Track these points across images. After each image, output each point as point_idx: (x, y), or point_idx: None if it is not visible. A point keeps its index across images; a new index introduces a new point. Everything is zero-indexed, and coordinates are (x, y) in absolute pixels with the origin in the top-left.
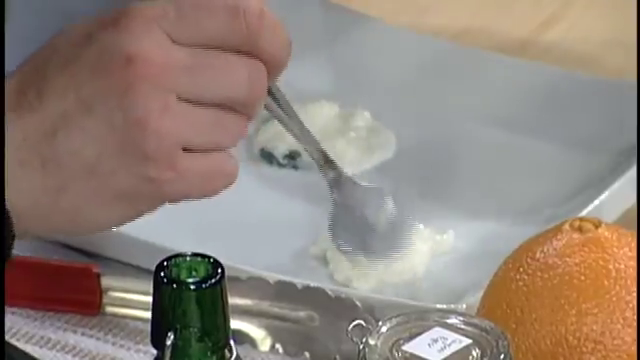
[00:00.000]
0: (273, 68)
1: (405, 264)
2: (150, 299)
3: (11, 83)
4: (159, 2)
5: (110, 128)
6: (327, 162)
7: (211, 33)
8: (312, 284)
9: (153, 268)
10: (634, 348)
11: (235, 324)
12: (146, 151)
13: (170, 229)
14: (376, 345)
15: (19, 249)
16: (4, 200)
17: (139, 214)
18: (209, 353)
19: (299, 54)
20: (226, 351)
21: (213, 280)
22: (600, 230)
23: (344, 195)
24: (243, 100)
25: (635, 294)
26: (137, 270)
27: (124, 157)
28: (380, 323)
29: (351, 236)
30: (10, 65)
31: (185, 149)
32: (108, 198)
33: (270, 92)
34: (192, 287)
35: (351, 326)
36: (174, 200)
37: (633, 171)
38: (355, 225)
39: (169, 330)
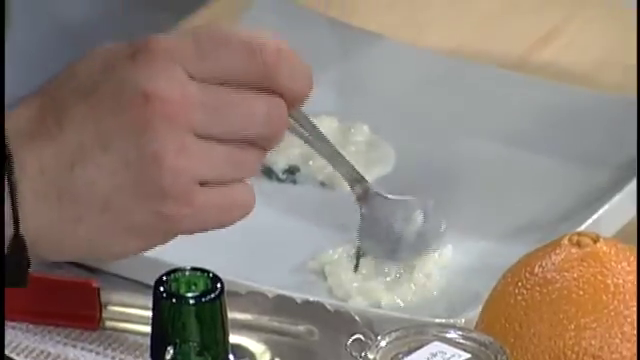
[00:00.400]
0: (294, 101)
1: (403, 279)
2: (150, 313)
3: (30, 109)
4: (177, 35)
5: (126, 165)
6: (356, 178)
7: (229, 70)
8: (311, 298)
9: (152, 283)
10: None
11: (234, 338)
12: (162, 189)
13: (169, 244)
14: (375, 359)
15: None
16: (4, 202)
17: (153, 246)
18: None
19: None
20: None
21: (212, 295)
22: (598, 245)
23: (372, 208)
24: (262, 136)
25: (634, 309)
26: (137, 284)
27: (140, 194)
28: (379, 337)
29: (379, 247)
30: (9, 73)
31: (202, 184)
32: (122, 232)
33: (294, 118)
34: (191, 302)
35: (350, 340)
36: (189, 233)
37: (631, 186)
38: (382, 235)
39: (168, 344)
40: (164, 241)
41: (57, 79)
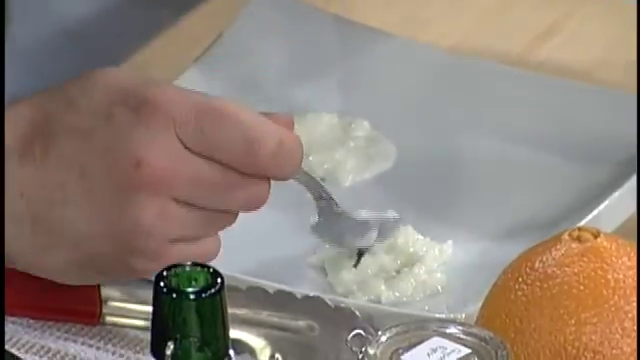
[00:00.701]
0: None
1: (404, 274)
2: (150, 309)
3: (20, 121)
4: (182, 97)
5: (104, 215)
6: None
7: (224, 155)
8: (311, 294)
9: (153, 278)
10: (633, 358)
11: (235, 334)
12: (134, 247)
13: None
14: (375, 355)
15: None
16: (4, 208)
17: (120, 280)
18: None
19: (299, 65)
20: None
21: (213, 290)
22: (599, 240)
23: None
24: (241, 210)
25: (634, 304)
26: (137, 280)
27: (112, 247)
28: (379, 333)
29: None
30: (9, 72)
31: (174, 241)
32: (89, 270)
33: None
34: (192, 297)
35: (350, 336)
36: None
37: (632, 181)
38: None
39: (169, 340)
40: (128, 280)
41: (54, 97)
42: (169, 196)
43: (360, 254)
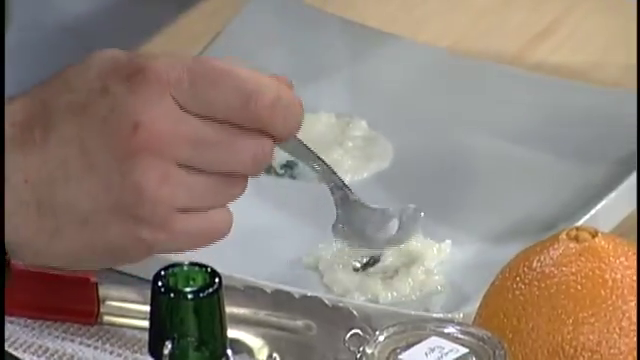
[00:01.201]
0: (281, 139)
1: (402, 274)
2: (148, 308)
3: (19, 111)
4: (174, 62)
5: (108, 188)
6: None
7: (221, 112)
8: (309, 293)
9: (151, 277)
10: (630, 358)
11: (232, 333)
12: (141, 216)
13: None
14: (373, 354)
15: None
16: (3, 207)
17: (130, 262)
18: None
19: (297, 64)
20: None
21: (210, 289)
22: (597, 240)
23: (347, 212)
24: (246, 172)
25: (632, 304)
26: (135, 279)
27: (119, 217)
28: (377, 332)
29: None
30: (10, 70)
31: (182, 211)
32: (99, 248)
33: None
34: (189, 296)
35: (348, 335)
36: (166, 253)
37: (629, 181)
38: (353, 235)
39: (167, 339)
40: (138, 260)
41: (50, 84)
42: (171, 159)
43: (373, 262)
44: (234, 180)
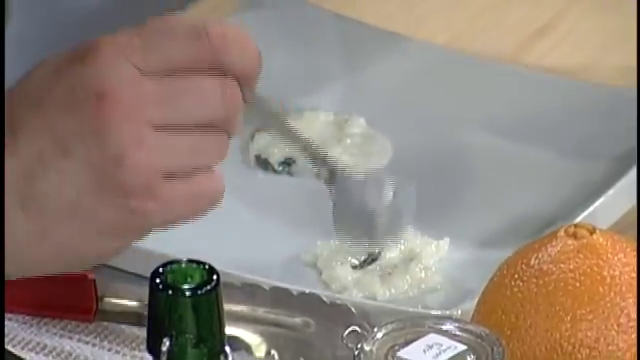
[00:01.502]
0: (246, 81)
1: (400, 271)
2: (146, 305)
3: None
4: (124, 34)
5: (87, 166)
6: (320, 158)
7: (178, 59)
8: (307, 290)
9: (148, 274)
10: (629, 354)
11: (230, 330)
12: (125, 185)
13: (165, 236)
14: (371, 351)
15: None
16: (4, 207)
17: (126, 246)
18: (205, 359)
19: (295, 62)
20: (221, 357)
21: (209, 286)
22: (595, 236)
23: (341, 190)
24: (219, 118)
25: (630, 300)
26: (133, 277)
27: (104, 193)
28: (375, 329)
29: (355, 228)
30: (9, 67)
31: (166, 176)
32: (93, 235)
33: (251, 104)
34: (187, 293)
35: (346, 332)
36: (161, 227)
37: (628, 177)
38: (356, 215)
39: (165, 336)
40: (135, 239)
41: (10, 94)
42: (142, 122)
43: (371, 259)
44: (213, 137)
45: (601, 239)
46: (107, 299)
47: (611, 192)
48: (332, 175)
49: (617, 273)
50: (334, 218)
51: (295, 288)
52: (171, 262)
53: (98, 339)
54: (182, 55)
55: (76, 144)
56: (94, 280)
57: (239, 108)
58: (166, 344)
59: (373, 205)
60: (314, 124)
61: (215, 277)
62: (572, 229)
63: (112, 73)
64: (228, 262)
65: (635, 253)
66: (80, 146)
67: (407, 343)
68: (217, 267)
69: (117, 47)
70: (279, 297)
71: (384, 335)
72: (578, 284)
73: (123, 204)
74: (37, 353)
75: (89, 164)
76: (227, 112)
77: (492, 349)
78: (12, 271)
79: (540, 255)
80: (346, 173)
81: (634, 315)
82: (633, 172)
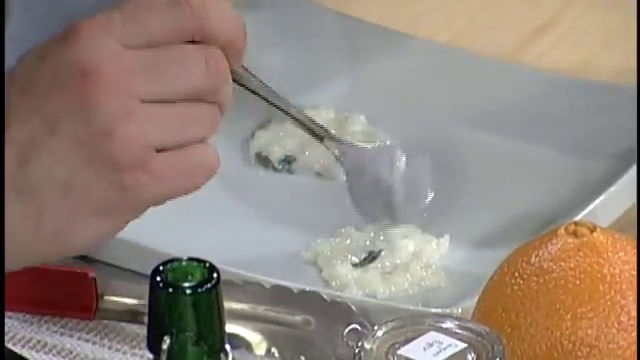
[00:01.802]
0: (231, 50)
1: (400, 269)
2: (146, 303)
3: None
4: (104, 13)
5: (77, 144)
6: (325, 135)
7: (159, 29)
8: (308, 288)
9: (149, 272)
10: (629, 352)
11: (231, 328)
12: (116, 160)
13: (165, 233)
14: (372, 349)
15: None
16: (4, 206)
17: (124, 224)
18: (205, 357)
19: (295, 60)
20: (222, 355)
21: (209, 284)
22: (595, 234)
23: (353, 163)
24: (207, 88)
25: (630, 298)
26: (133, 274)
27: (96, 170)
28: (376, 327)
29: (373, 203)
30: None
31: (160, 149)
32: (89, 214)
33: (241, 80)
34: (188, 291)
35: (347, 330)
36: (157, 203)
37: (628, 176)
38: (372, 188)
39: (165, 334)
40: (133, 216)
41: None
42: (129, 96)
43: (372, 257)
44: (202, 107)
45: (601, 237)
46: (107, 297)
47: (611, 190)
48: (341, 150)
49: (617, 271)
50: (350, 196)
51: (295, 286)
52: (171, 260)
53: (98, 337)
54: (163, 25)
55: (64, 122)
56: (94, 278)
57: (225, 77)
58: (166, 342)
59: (387, 176)
60: None
61: (215, 275)
62: (572, 227)
63: (94, 49)
64: (228, 260)
65: (635, 251)
66: (68, 124)
67: (407, 341)
68: (217, 265)
69: (97, 24)
70: (279, 295)
71: (384, 333)
72: (578, 282)
73: (115, 179)
74: (37, 351)
75: (78, 141)
76: (213, 82)
77: (492, 347)
78: (12, 261)
79: (540, 253)
80: (356, 146)
81: (634, 313)
82: (633, 170)
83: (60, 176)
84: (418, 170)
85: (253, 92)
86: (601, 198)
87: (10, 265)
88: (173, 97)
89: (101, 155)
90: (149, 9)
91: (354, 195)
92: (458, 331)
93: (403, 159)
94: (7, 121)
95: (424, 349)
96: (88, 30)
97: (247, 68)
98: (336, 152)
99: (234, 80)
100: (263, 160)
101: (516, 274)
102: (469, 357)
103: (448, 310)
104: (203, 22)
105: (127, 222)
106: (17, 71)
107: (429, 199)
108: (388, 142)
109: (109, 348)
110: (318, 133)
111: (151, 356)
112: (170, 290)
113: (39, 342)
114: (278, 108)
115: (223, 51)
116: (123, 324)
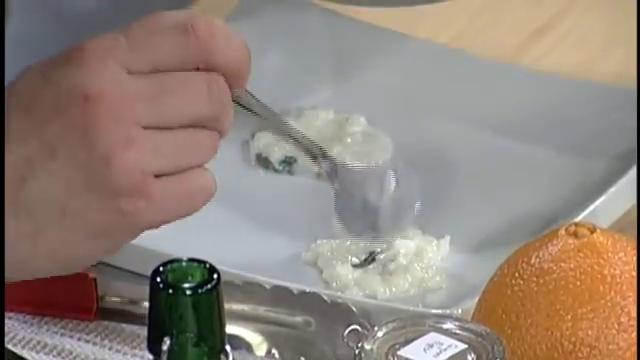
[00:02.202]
0: (233, 79)
1: (400, 270)
2: (146, 304)
3: None
4: (110, 35)
5: (76, 168)
6: (319, 154)
7: (164, 55)
8: (308, 289)
9: (149, 273)
10: (629, 353)
11: (231, 329)
12: (115, 186)
13: (165, 234)
14: (372, 350)
15: None
16: (4, 209)
17: (119, 245)
18: (205, 358)
19: (295, 61)
20: (222, 356)
21: (209, 285)
22: (595, 235)
23: (343, 183)
24: (208, 115)
25: (630, 299)
26: (133, 275)
27: (94, 194)
28: (376, 328)
29: (357, 220)
30: (9, 67)
31: (158, 175)
32: (85, 236)
33: (241, 101)
34: (188, 292)
35: (347, 331)
36: (154, 227)
37: (628, 176)
38: (359, 209)
39: (165, 335)
40: (128, 239)
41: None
42: (130, 122)
43: (372, 258)
44: (202, 134)
45: (601, 238)
46: (108, 298)
47: (611, 191)
48: (333, 169)
49: (617, 272)
50: (336, 214)
51: (296, 287)
52: (172, 261)
53: (99, 338)
54: (168, 51)
55: (64, 145)
56: (95, 279)
57: (228, 106)
58: (167, 343)
59: (375, 199)
60: (314, 123)
61: (216, 276)
62: (573, 228)
63: (98, 73)
64: (229, 261)
65: (635, 252)
66: (68, 147)
67: (408, 342)
68: (218, 266)
69: (102, 47)
70: (280, 296)
71: (385, 334)
72: (579, 283)
73: (113, 205)
74: (37, 352)
75: (78, 164)
76: (214, 110)
77: (493, 348)
78: (8, 275)
79: (541, 254)
80: (347, 167)
81: (634, 314)
82: (633, 171)
83: (57, 198)
84: (406, 189)
85: (254, 113)
86: (601, 199)
87: (10, 276)
88: (174, 124)
89: (99, 180)
90: (156, 35)
91: (340, 214)
92: (458, 332)
93: (393, 180)
94: (6, 138)
95: (424, 350)
96: (93, 54)
97: (248, 90)
98: (328, 170)
99: (234, 101)
100: (263, 161)
101: (516, 275)
102: (469, 358)
103: (448, 311)
104: (207, 51)
105: (122, 244)
106: (18, 87)
107: (415, 213)
108: (381, 162)
109: (109, 349)
110: (314, 153)
111: (151, 357)
112: (170, 291)
113: (39, 343)
114: (278, 129)
115: (227, 77)
116: (123, 325)
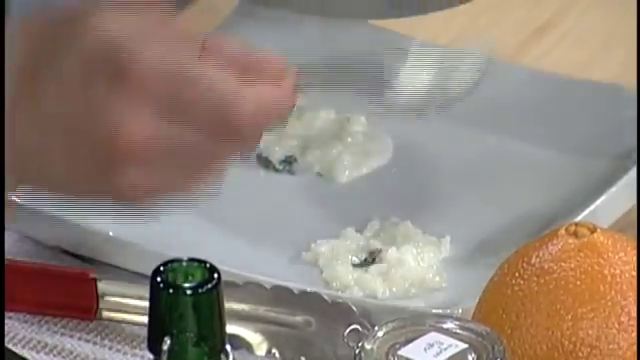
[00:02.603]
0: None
1: (401, 269)
2: (146, 304)
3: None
4: (159, 69)
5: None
6: None
7: (199, 121)
8: (308, 289)
9: (149, 273)
10: (630, 353)
11: (231, 329)
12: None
13: (166, 234)
14: (372, 349)
15: (17, 254)
16: (4, 202)
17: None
18: (205, 358)
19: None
20: (222, 356)
21: (209, 285)
22: (596, 235)
23: None
24: (215, 174)
25: (631, 299)
26: (134, 275)
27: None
28: (376, 328)
29: None
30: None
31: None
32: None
33: None
34: (188, 292)
35: (347, 331)
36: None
37: (629, 176)
38: None
39: (165, 335)
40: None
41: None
42: (147, 165)
43: (372, 257)
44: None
45: (602, 238)
46: (108, 297)
47: (612, 191)
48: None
49: (618, 272)
50: None
51: (296, 287)
52: (172, 261)
53: (99, 337)
54: (205, 121)
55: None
56: (95, 279)
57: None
58: (167, 342)
59: None
60: (314, 122)
61: (216, 276)
62: (573, 228)
63: (133, 116)
64: (229, 260)
65: (636, 252)
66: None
67: (408, 341)
68: (218, 265)
69: (146, 90)
70: (280, 295)
71: (385, 333)
72: (579, 283)
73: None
74: (38, 352)
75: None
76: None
77: (493, 347)
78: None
79: (541, 254)
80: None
81: (635, 314)
82: (633, 171)
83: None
84: None
85: None
86: (602, 199)
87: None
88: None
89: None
90: (199, 99)
91: None
92: (458, 331)
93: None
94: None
95: (425, 349)
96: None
97: None
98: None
99: None
100: (264, 161)
101: (517, 275)
102: (469, 358)
103: (448, 311)
104: (238, 135)
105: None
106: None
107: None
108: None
109: (110, 349)
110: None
111: (151, 357)
112: (170, 291)
113: (39, 342)
114: None
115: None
116: (124, 325)
